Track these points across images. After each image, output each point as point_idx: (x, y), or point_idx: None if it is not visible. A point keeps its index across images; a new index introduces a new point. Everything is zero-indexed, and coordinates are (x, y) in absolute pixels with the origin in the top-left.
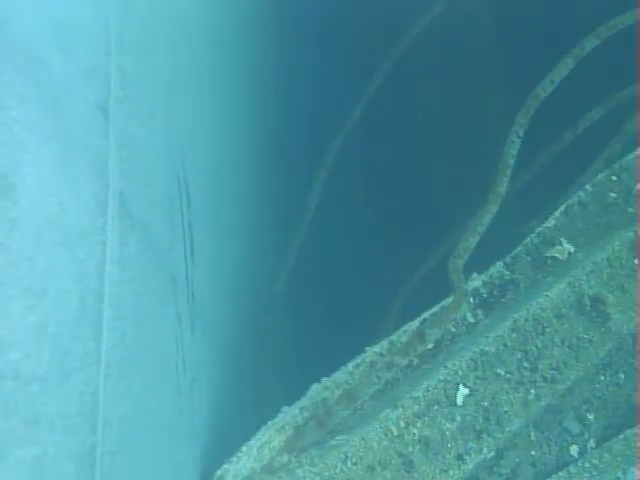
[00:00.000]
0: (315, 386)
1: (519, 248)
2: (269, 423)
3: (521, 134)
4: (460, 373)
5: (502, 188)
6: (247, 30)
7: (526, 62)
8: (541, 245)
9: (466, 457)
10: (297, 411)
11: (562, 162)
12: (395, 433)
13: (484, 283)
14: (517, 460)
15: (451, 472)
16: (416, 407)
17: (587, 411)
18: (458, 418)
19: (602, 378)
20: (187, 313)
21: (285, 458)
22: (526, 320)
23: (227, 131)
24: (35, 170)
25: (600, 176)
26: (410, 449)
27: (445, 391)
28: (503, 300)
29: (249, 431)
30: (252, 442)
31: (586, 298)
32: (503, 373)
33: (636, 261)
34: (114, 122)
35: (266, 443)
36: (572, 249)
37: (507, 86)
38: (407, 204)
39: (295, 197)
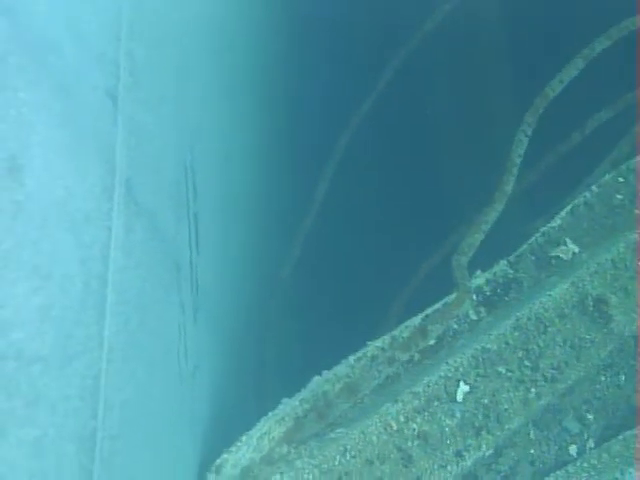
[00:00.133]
0: (316, 378)
1: (524, 247)
2: (269, 414)
3: (529, 133)
4: (461, 370)
5: (508, 187)
6: (258, 21)
7: (536, 61)
8: (546, 245)
9: (465, 454)
10: (297, 403)
11: (569, 162)
12: (394, 427)
13: (488, 281)
14: (516, 458)
15: (449, 468)
16: (416, 402)
17: (587, 411)
18: (458, 414)
19: (603, 379)
20: (190, 301)
21: (284, 449)
22: (528, 319)
23: (236, 120)
24: (43, 153)
25: (607, 177)
26: (409, 444)
27: (445, 387)
28: (506, 298)
29: (249, 421)
30: (252, 432)
31: (589, 299)
32: (504, 371)
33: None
34: (123, 108)
35: (266, 434)
36: (577, 249)
37: (516, 85)
38: (413, 200)
39: (302, 189)
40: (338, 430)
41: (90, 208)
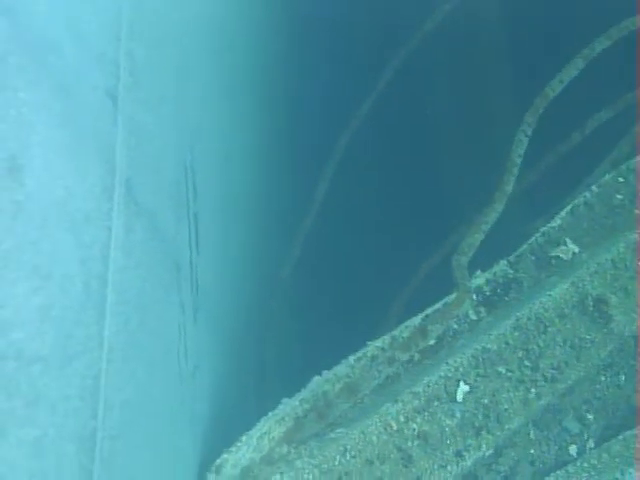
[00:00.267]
0: (316, 378)
1: (524, 247)
2: (269, 414)
3: (529, 133)
4: (461, 370)
5: (509, 187)
6: (258, 21)
7: (536, 61)
8: (546, 245)
9: (465, 454)
10: (297, 403)
11: (569, 162)
12: (394, 427)
13: (488, 281)
14: (516, 458)
15: (449, 468)
16: (416, 402)
17: (587, 411)
18: (458, 414)
19: (603, 379)
20: (190, 301)
21: (284, 449)
22: (528, 319)
23: (236, 120)
24: (43, 153)
25: (607, 177)
26: (409, 444)
27: (445, 387)
28: (506, 298)
29: (249, 421)
30: (252, 432)
31: (589, 299)
32: (504, 371)
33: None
34: (123, 109)
35: (266, 434)
36: (577, 249)
37: (516, 85)
38: (413, 200)
39: (302, 189)
40: (338, 430)
41: (90, 208)
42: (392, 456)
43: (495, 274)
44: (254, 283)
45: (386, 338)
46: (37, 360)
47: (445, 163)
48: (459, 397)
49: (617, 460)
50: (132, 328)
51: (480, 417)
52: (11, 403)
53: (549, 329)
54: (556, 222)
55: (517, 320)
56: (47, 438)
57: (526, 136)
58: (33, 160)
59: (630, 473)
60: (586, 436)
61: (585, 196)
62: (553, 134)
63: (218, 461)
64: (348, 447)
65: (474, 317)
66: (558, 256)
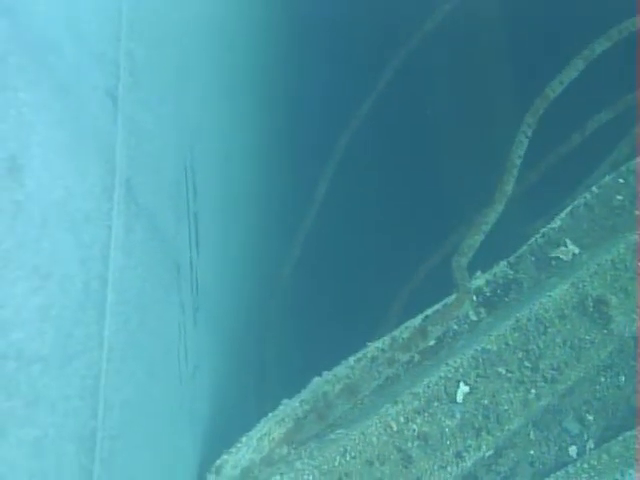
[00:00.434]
0: (316, 379)
1: (524, 248)
2: (269, 415)
3: (529, 134)
4: (461, 370)
5: (508, 187)
6: (258, 21)
7: (536, 62)
8: (546, 245)
9: (465, 454)
10: (297, 404)
11: (569, 163)
12: (394, 428)
13: (487, 282)
14: (516, 459)
15: (449, 469)
16: (416, 403)
17: (587, 412)
18: (458, 415)
19: (603, 379)
20: (190, 302)
21: (284, 450)
22: (528, 320)
23: (236, 120)
24: (43, 153)
25: (607, 178)
26: (409, 445)
27: (445, 388)
28: (506, 299)
29: (249, 421)
30: (252, 433)
31: (589, 299)
32: (504, 372)
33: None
34: (123, 108)
35: (266, 435)
36: (577, 250)
37: (516, 86)
38: (413, 200)
39: (302, 190)
40: (338, 431)
41: (90, 208)
42: (392, 457)
43: (495, 275)
44: (254, 283)
45: (386, 339)
46: (37, 360)
47: (445, 163)
48: (459, 398)
49: (617, 461)
50: (132, 328)
51: (480, 418)
52: (11, 403)
53: (549, 330)
54: (556, 223)
55: (517, 321)
56: (47, 438)
57: (526, 137)
58: (33, 160)
59: (630, 474)
60: (586, 437)
61: (585, 197)
62: (553, 135)
63: (218, 462)
64: (348, 448)
65: (474, 318)
66: (558, 257)
